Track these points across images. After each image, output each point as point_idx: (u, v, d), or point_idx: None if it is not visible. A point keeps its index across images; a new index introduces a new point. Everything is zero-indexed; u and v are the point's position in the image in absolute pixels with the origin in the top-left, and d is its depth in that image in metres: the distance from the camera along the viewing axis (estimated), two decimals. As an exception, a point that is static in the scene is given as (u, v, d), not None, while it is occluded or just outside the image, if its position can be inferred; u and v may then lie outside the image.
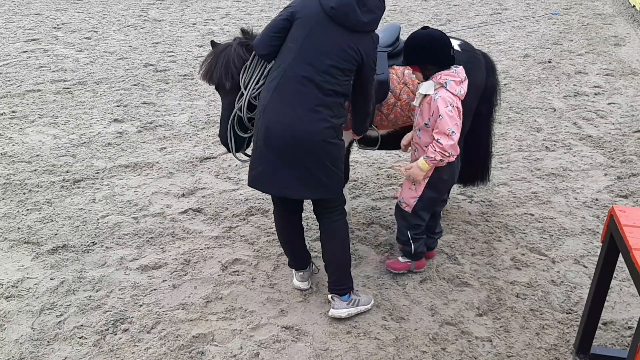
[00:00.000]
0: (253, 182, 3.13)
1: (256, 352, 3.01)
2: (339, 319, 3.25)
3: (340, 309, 3.24)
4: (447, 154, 3.18)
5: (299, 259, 3.50)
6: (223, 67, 3.21)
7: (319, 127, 2.95)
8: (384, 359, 2.98)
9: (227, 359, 2.96)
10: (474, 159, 4.20)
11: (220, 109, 3.39)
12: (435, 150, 3.19)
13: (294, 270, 3.54)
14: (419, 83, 3.41)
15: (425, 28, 3.33)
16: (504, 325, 3.23)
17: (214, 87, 3.40)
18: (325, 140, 2.98)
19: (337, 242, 3.25)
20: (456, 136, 3.18)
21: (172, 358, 2.95)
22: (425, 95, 3.28)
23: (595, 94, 7.02)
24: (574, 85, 7.35)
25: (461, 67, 3.31)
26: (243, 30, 3.42)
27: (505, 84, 7.37)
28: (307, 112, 2.94)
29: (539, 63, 8.27)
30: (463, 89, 3.24)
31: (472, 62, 3.79)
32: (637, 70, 7.89)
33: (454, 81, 3.20)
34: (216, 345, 3.06)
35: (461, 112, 3.28)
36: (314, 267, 3.62)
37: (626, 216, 2.56)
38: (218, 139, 5.66)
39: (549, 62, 8.30)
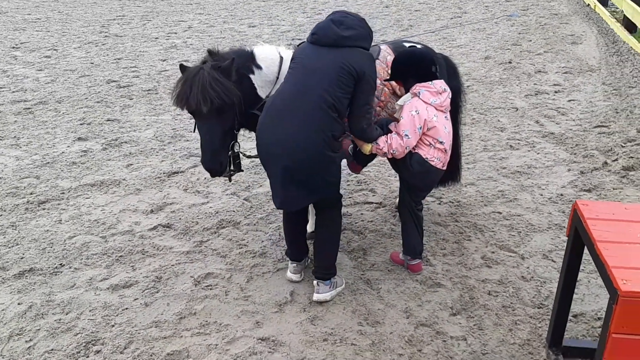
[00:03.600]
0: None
1: (233, 366, 2.98)
2: (323, 304, 3.46)
3: (325, 293, 3.48)
4: (392, 151, 3.36)
5: (296, 250, 3.66)
6: (200, 92, 3.13)
7: (312, 142, 3.10)
8: (362, 365, 2.99)
9: (204, 375, 2.93)
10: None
11: (198, 132, 3.33)
12: (385, 142, 3.35)
13: (289, 261, 3.68)
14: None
15: (412, 47, 3.61)
16: (478, 324, 3.27)
17: (187, 112, 3.33)
18: (320, 153, 3.13)
19: (329, 232, 3.49)
20: (409, 140, 3.34)
21: (147, 377, 2.91)
22: (403, 107, 3.45)
23: (556, 92, 7.19)
24: (535, 84, 7.51)
25: (442, 81, 3.45)
26: (210, 52, 3.41)
27: (468, 86, 7.48)
28: (300, 126, 3.10)
29: (500, 64, 8.43)
30: (439, 99, 3.39)
31: (433, 66, 3.85)
32: (595, 67, 8.10)
33: (428, 91, 3.38)
34: (192, 362, 3.02)
35: (434, 121, 3.37)
36: (308, 261, 3.77)
37: (589, 209, 2.62)
38: (185, 152, 5.66)
39: (510, 62, 8.47)
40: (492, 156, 5.47)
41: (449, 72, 4.01)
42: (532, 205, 4.54)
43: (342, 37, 3.17)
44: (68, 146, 5.82)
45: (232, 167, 3.51)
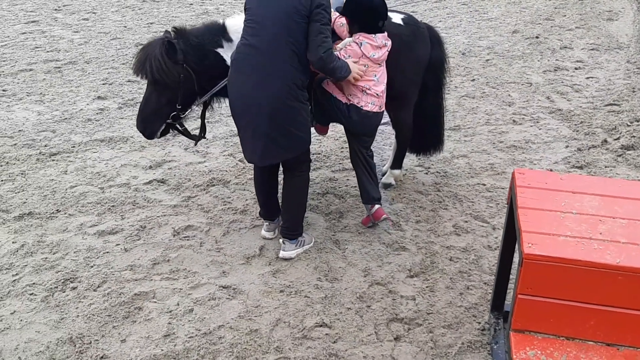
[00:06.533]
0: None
1: (191, 308, 3.22)
2: (288, 260, 3.65)
3: (290, 251, 3.65)
4: (346, 56, 3.51)
5: (268, 210, 3.82)
6: (139, 63, 3.47)
7: (277, 94, 3.22)
8: (310, 315, 3.17)
9: (163, 314, 3.18)
10: (424, 131, 4.32)
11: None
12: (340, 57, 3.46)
13: (263, 220, 3.87)
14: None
15: None
16: (431, 286, 3.39)
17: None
18: (285, 104, 3.25)
19: (296, 193, 3.62)
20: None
21: (111, 312, 3.18)
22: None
23: (576, 69, 7.03)
24: (557, 60, 7.36)
25: (384, 34, 3.55)
26: (176, 29, 3.59)
27: (487, 60, 7.41)
28: (265, 79, 3.22)
29: (527, 38, 8.27)
30: (377, 54, 3.52)
31: (415, 36, 3.90)
32: (624, 45, 7.85)
33: (370, 44, 3.50)
34: (155, 302, 3.27)
35: (371, 72, 3.54)
36: (281, 220, 3.85)
37: (523, 178, 2.69)
38: (194, 114, 5.87)
39: (537, 37, 8.29)
40: (492, 130, 5.46)
41: (432, 43, 4.05)
42: (519, 179, 4.55)
43: None
44: (87, 104, 6.16)
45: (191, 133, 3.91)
